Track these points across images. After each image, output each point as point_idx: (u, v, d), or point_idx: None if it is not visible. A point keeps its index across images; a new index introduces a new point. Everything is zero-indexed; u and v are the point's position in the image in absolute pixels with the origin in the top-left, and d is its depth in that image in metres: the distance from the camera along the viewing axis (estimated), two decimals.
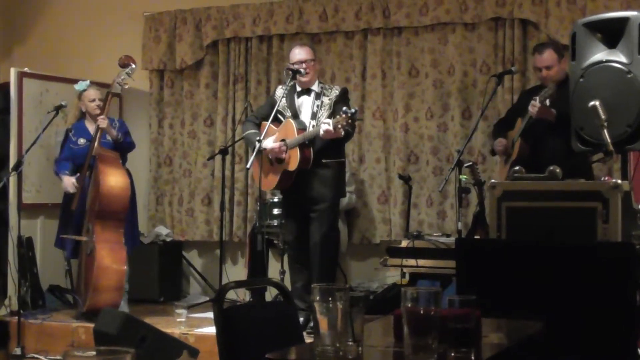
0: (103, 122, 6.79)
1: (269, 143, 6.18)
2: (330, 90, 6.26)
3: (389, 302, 6.21)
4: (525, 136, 5.97)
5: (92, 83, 7.14)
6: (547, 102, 5.81)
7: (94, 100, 6.97)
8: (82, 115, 7.09)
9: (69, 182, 6.88)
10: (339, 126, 5.77)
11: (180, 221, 8.27)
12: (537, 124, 5.91)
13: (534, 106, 5.82)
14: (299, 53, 6.30)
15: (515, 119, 6.20)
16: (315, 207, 6.15)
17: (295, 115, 6.24)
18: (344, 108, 5.85)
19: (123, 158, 7.01)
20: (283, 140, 6.17)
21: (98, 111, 6.88)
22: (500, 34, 7.20)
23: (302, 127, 6.14)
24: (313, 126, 6.09)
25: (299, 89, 6.31)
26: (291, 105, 6.27)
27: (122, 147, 6.97)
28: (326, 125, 5.85)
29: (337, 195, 6.28)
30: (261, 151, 6.08)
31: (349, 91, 6.55)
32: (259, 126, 6.36)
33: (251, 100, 7.77)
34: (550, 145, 5.80)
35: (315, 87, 6.28)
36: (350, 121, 5.78)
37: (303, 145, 6.07)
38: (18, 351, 6.52)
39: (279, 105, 6.23)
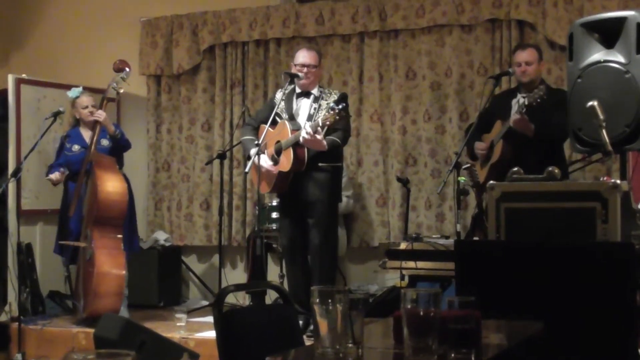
0: (101, 115, 6.79)
1: (263, 160, 6.15)
2: (329, 95, 6.23)
3: (388, 305, 6.20)
4: (507, 138, 5.96)
5: (89, 89, 7.15)
6: (525, 108, 5.80)
7: (86, 107, 6.97)
8: (77, 122, 7.10)
9: (53, 175, 6.90)
10: (327, 123, 5.71)
11: (179, 226, 8.26)
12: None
13: (516, 117, 5.84)
14: (303, 57, 6.24)
15: (489, 122, 6.20)
16: (312, 212, 6.13)
17: (292, 118, 6.22)
18: (332, 104, 5.82)
19: (120, 162, 7.01)
20: (278, 142, 6.15)
21: (91, 118, 6.88)
22: (497, 36, 7.21)
23: (296, 128, 6.09)
24: None
25: (298, 90, 6.28)
26: (288, 108, 6.25)
27: (120, 144, 6.96)
28: (307, 133, 5.81)
29: (333, 199, 6.25)
30: (258, 154, 6.06)
31: (347, 96, 6.53)
32: (257, 129, 6.34)
33: (248, 104, 7.76)
34: (532, 148, 5.80)
35: (314, 91, 6.25)
36: (337, 117, 5.72)
37: (296, 146, 6.04)
38: (19, 357, 6.52)
39: (277, 108, 6.21)
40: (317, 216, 6.12)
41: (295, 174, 6.09)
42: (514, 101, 6.13)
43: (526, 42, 6.86)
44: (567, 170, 5.83)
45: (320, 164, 6.08)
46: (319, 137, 5.81)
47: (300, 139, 5.87)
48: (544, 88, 5.75)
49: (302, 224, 6.22)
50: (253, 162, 6.03)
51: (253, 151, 6.07)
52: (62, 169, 6.95)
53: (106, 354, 1.54)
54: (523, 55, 6.11)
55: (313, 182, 6.11)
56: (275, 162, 6.15)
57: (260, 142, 6.02)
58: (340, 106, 5.72)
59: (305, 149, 6.02)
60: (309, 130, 5.80)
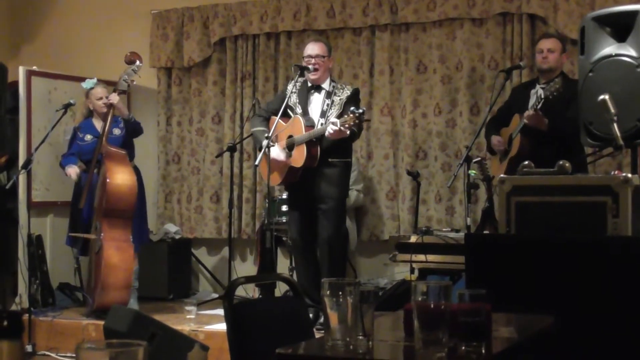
0: (114, 97, 6.80)
1: (276, 152, 6.17)
2: (342, 90, 6.22)
3: (398, 299, 6.21)
4: (524, 133, 5.95)
5: (100, 81, 7.15)
6: (540, 103, 5.76)
7: (101, 98, 6.98)
8: (90, 114, 7.12)
9: (73, 170, 6.91)
10: (346, 125, 5.75)
11: (189, 219, 8.28)
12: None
13: (529, 113, 5.82)
14: (310, 48, 6.26)
15: (509, 116, 6.19)
16: (322, 205, 6.14)
17: (305, 112, 6.22)
18: (352, 108, 5.83)
19: (131, 154, 7.02)
20: (290, 136, 6.16)
21: (105, 109, 6.90)
22: (508, 29, 7.19)
23: (310, 124, 6.12)
24: (322, 124, 6.07)
25: (310, 84, 6.29)
26: (303, 102, 6.25)
27: (134, 127, 6.96)
28: (334, 125, 5.82)
29: (343, 194, 6.28)
30: (268, 147, 6.06)
31: (359, 91, 6.53)
32: (267, 121, 6.35)
33: (259, 97, 7.78)
34: (549, 142, 5.79)
35: (326, 86, 6.24)
36: (357, 121, 5.74)
37: (310, 143, 6.05)
38: (29, 348, 6.54)
39: (289, 101, 6.22)
40: (326, 209, 6.13)
41: (305, 168, 6.10)
42: (532, 92, 6.12)
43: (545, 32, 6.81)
44: (585, 164, 5.79)
45: (330, 160, 6.10)
46: (342, 129, 5.81)
47: (327, 133, 5.87)
48: (560, 81, 5.69)
49: (311, 216, 6.23)
50: (264, 154, 6.04)
51: (265, 143, 6.08)
52: (78, 163, 6.97)
53: (118, 344, 1.55)
54: (546, 43, 6.12)
55: (323, 177, 6.12)
56: (288, 155, 6.16)
57: (270, 134, 6.04)
58: (360, 110, 5.74)
59: (318, 147, 6.04)
60: (335, 128, 5.79)
